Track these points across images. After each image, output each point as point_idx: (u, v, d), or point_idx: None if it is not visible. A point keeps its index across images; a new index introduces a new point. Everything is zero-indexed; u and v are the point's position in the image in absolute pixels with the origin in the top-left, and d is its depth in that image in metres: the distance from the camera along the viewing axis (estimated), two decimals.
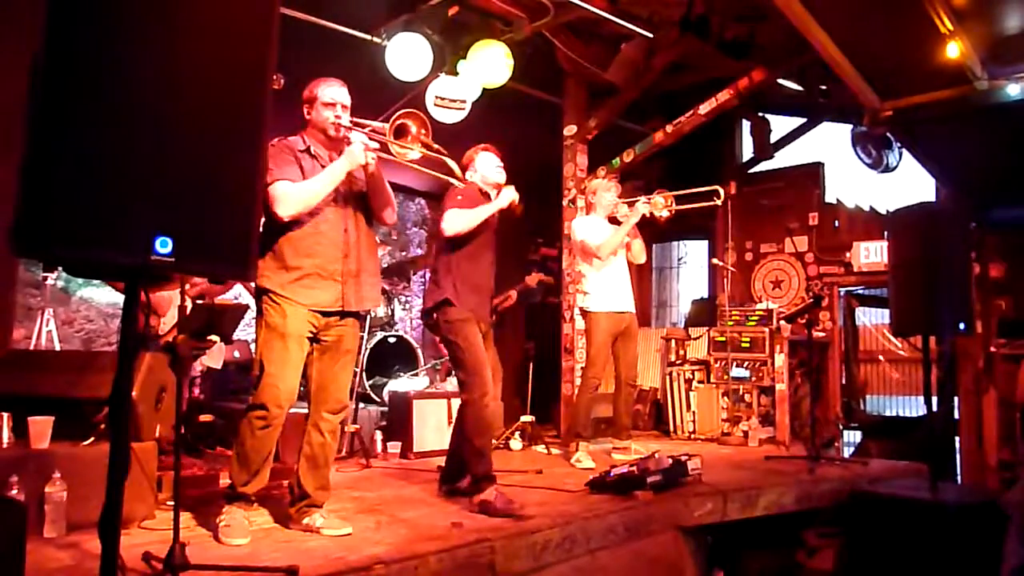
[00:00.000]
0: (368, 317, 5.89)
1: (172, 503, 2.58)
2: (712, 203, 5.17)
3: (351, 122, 3.14)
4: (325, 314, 3.09)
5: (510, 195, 3.77)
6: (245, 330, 6.21)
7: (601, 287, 5.09)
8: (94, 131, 1.61)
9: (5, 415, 3.09)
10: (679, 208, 5.15)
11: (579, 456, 4.92)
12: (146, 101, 1.68)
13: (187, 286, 4.57)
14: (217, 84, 1.80)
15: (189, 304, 4.33)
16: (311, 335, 3.08)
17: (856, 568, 4.13)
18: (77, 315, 6.42)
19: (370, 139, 3.09)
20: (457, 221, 3.69)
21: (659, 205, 5.09)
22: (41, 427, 3.04)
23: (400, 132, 3.17)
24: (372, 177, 3.16)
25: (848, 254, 7.06)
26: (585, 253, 5.11)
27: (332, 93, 3.13)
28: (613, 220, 5.19)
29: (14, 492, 2.70)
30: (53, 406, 3.12)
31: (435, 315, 3.76)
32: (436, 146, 3.21)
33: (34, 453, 2.98)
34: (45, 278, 5.61)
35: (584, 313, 5.24)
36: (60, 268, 4.65)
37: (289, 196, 2.95)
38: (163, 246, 1.67)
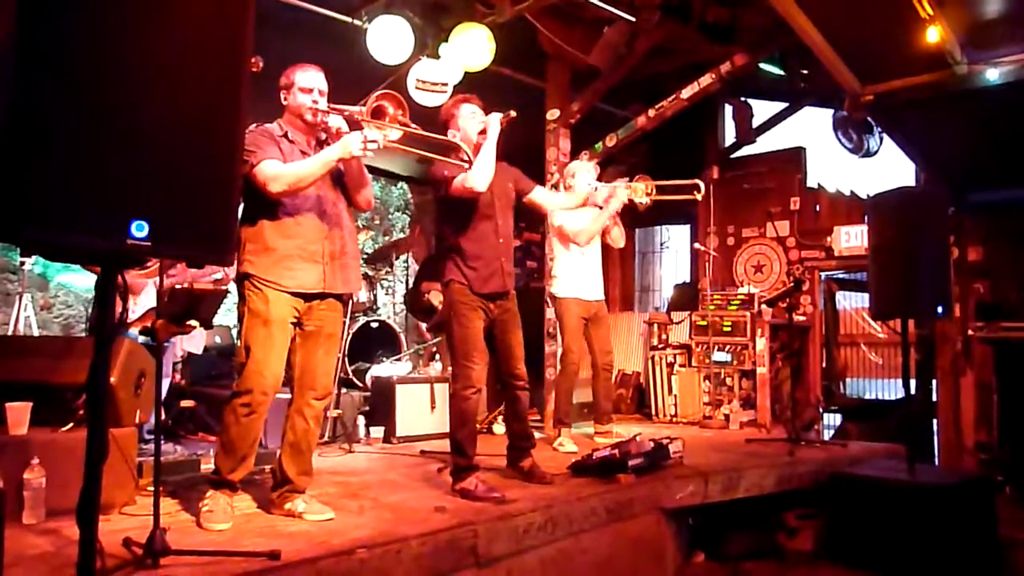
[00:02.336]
0: (351, 302, 5.87)
1: (152, 488, 2.57)
2: (691, 196, 5.06)
3: (328, 107, 3.12)
4: (308, 298, 3.08)
5: (495, 121, 3.59)
6: (226, 315, 6.18)
7: (570, 273, 5.07)
8: (69, 115, 1.59)
9: None
10: (658, 198, 5.10)
11: (561, 440, 4.94)
12: (121, 84, 1.66)
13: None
14: (194, 66, 1.78)
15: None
16: (294, 320, 3.07)
17: (835, 548, 4.19)
18: (56, 300, 6.36)
19: (348, 122, 3.08)
20: (477, 176, 3.47)
21: (639, 191, 5.04)
22: (19, 413, 3.02)
23: (377, 114, 3.15)
24: (349, 161, 3.16)
25: (829, 238, 7.11)
26: (563, 237, 5.09)
27: (309, 79, 3.12)
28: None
29: None
30: (31, 392, 3.10)
31: (443, 290, 3.73)
32: (414, 125, 3.19)
33: (12, 439, 2.96)
34: (23, 263, 5.55)
35: (553, 298, 5.21)
36: (37, 253, 4.59)
37: (280, 175, 2.94)
38: (139, 230, 1.66)
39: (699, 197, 5.00)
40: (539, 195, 3.98)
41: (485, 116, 3.69)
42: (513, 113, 3.61)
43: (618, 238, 5.20)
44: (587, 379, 5.51)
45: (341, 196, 3.21)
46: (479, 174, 3.48)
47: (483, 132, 3.61)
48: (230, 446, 2.97)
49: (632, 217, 5.34)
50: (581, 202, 4.19)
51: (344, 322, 5.78)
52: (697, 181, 5.03)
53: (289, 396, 3.21)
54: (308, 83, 3.11)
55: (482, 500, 3.33)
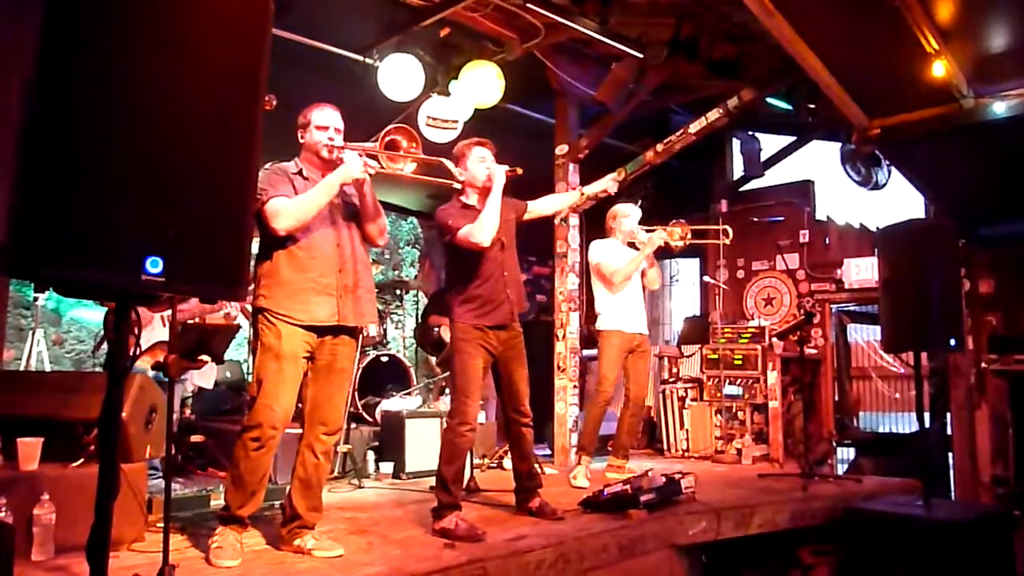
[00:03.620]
0: (360, 336, 5.88)
1: (162, 525, 2.56)
2: (719, 241, 5.58)
3: (344, 144, 3.19)
4: (321, 333, 3.09)
5: (501, 174, 3.63)
6: (236, 350, 6.20)
7: (614, 308, 5.16)
8: (85, 151, 1.61)
9: None
10: (692, 242, 5.31)
11: (576, 473, 4.91)
12: (137, 121, 1.68)
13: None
14: (209, 105, 1.81)
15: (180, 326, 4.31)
16: (307, 355, 3.08)
17: None
18: (68, 336, 6.39)
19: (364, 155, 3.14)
20: (482, 231, 3.55)
21: (676, 236, 5.19)
22: (30, 448, 3.02)
23: (391, 148, 3.22)
24: (361, 194, 3.21)
25: (839, 271, 7.09)
26: (600, 276, 5.18)
27: (325, 117, 3.20)
28: (632, 244, 5.25)
29: (2, 514, 2.66)
30: (43, 427, 3.11)
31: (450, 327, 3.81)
32: (426, 157, 3.24)
33: (23, 475, 2.96)
34: (36, 299, 5.59)
35: (597, 332, 5.29)
36: (50, 288, 4.63)
37: (285, 210, 2.99)
38: (154, 266, 1.67)
39: (728, 240, 5.48)
40: (533, 208, 4.03)
41: (493, 162, 3.75)
42: (519, 170, 3.67)
43: (654, 279, 5.33)
44: (609, 412, 5.52)
45: (356, 230, 3.25)
46: (483, 229, 3.55)
47: (488, 180, 3.66)
48: (239, 481, 2.97)
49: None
50: (575, 201, 4.54)
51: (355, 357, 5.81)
52: (726, 227, 5.50)
53: (300, 431, 3.21)
54: (324, 121, 3.18)
55: (462, 540, 3.25)
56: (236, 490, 2.97)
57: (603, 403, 5.09)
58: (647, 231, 5.19)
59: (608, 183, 4.29)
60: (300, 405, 3.19)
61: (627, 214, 5.27)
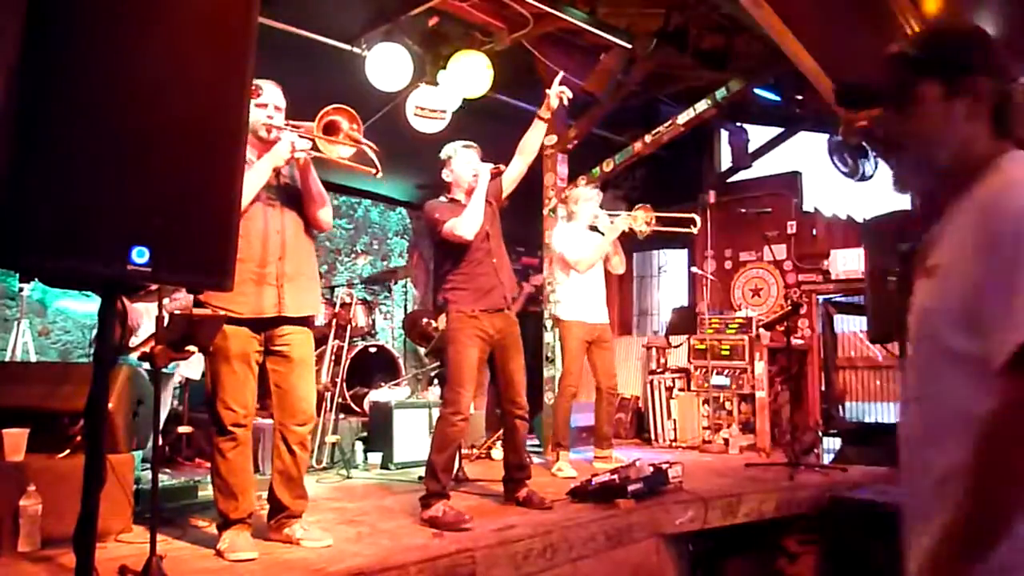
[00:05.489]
0: (348, 327, 5.87)
1: (149, 516, 2.55)
2: (688, 229, 5.42)
3: (285, 123, 3.06)
4: (265, 326, 3.01)
5: (485, 172, 3.77)
6: None
7: (574, 296, 5.12)
8: (70, 140, 1.60)
9: None
10: (657, 229, 5.27)
11: (560, 465, 4.92)
12: (123, 110, 1.67)
13: (166, 300, 4.54)
14: (196, 94, 1.79)
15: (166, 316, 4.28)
16: (258, 351, 3.02)
17: (836, 574, 4.15)
18: (54, 327, 6.35)
19: (300, 137, 3.02)
20: (466, 225, 3.65)
21: (640, 220, 5.16)
22: (16, 439, 3.01)
23: (329, 130, 3.09)
24: (303, 177, 3.10)
25: (826, 262, 7.13)
26: (563, 264, 5.14)
27: (265, 93, 3.04)
28: (594, 228, 5.23)
29: None
30: (29, 418, 3.09)
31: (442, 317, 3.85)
32: (366, 141, 3.12)
33: (8, 465, 2.95)
34: (21, 289, 5.54)
35: (556, 320, 5.26)
36: (36, 279, 4.60)
37: None
38: (140, 256, 1.66)
39: (695, 230, 5.27)
40: (510, 179, 3.97)
41: (479, 163, 3.85)
42: (503, 167, 3.83)
43: (618, 265, 5.26)
44: (586, 403, 5.50)
45: (299, 217, 3.14)
46: (467, 224, 3.67)
47: (474, 181, 3.80)
48: (225, 487, 2.94)
49: (630, 241, 5.39)
50: (542, 130, 4.04)
51: (342, 346, 5.80)
52: (694, 216, 5.37)
53: (271, 422, 3.17)
54: (263, 97, 3.02)
55: (449, 528, 3.28)
56: (226, 497, 2.93)
57: (570, 397, 5.07)
58: (610, 215, 5.17)
59: (553, 93, 4.00)
60: (269, 398, 3.14)
61: (589, 197, 5.21)
